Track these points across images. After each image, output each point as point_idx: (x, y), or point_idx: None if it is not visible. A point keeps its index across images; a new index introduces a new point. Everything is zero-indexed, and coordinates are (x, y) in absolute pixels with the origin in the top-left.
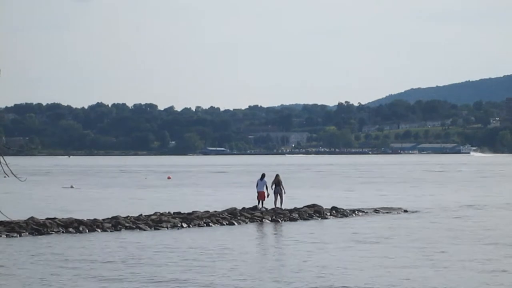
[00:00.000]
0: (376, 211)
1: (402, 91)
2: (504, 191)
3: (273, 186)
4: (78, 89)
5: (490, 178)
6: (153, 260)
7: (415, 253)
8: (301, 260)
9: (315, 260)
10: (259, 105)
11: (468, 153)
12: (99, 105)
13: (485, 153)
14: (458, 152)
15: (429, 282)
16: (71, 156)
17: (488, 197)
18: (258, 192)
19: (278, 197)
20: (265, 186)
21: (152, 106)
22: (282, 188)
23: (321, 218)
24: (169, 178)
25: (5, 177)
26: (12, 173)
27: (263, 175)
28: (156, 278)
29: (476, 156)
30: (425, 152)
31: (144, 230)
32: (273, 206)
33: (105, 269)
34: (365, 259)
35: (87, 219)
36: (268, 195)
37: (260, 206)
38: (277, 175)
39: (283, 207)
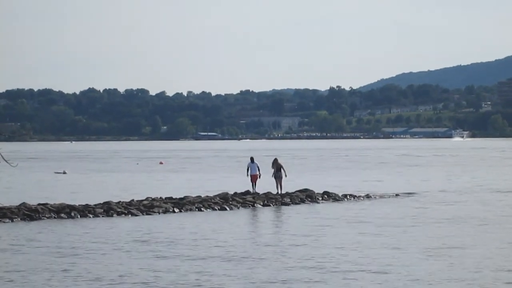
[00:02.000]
0: (368, 195)
1: (394, 75)
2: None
3: (274, 171)
4: (70, 74)
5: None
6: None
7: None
8: (292, 244)
9: (306, 244)
10: (250, 90)
11: (451, 137)
12: (91, 90)
13: (466, 138)
14: (450, 136)
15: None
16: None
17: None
18: (251, 176)
19: (278, 182)
20: (257, 168)
21: (143, 91)
22: (283, 172)
23: (313, 203)
24: (161, 163)
25: None
26: (3, 159)
27: (252, 159)
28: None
29: (456, 140)
30: (417, 136)
31: (136, 215)
32: (276, 191)
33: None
34: (362, 243)
35: (79, 205)
36: (260, 176)
37: (253, 189)
38: (276, 160)
39: (283, 191)
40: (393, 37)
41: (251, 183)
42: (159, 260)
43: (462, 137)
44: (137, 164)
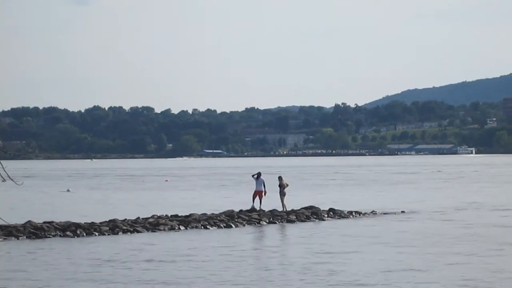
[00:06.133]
0: (374, 212)
1: (399, 92)
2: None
3: (281, 189)
4: (75, 92)
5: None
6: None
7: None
8: (299, 262)
9: (312, 262)
10: (255, 107)
11: (457, 153)
12: (96, 108)
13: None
14: (455, 152)
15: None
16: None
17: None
18: (255, 191)
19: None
20: (263, 184)
21: (148, 109)
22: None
23: (319, 220)
24: (166, 181)
25: (3, 181)
26: (9, 177)
27: (259, 174)
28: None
29: (467, 157)
30: (422, 153)
31: (141, 232)
32: (282, 209)
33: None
34: (368, 261)
35: (85, 223)
36: (265, 193)
37: (257, 205)
38: (280, 177)
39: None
40: (397, 54)
41: (252, 198)
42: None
43: (471, 153)
44: (143, 181)
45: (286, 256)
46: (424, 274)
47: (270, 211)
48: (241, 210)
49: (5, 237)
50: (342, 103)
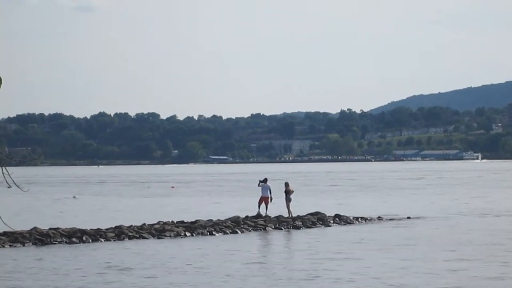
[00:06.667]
0: (380, 218)
1: (405, 98)
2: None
3: (286, 195)
4: (80, 99)
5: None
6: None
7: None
8: (305, 268)
9: (318, 268)
10: (261, 113)
11: (462, 159)
12: (102, 114)
13: (482, 160)
14: (461, 158)
15: None
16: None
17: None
18: (261, 197)
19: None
20: (269, 190)
21: (154, 115)
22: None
23: (325, 226)
24: (172, 187)
25: (8, 187)
26: (15, 183)
27: (265, 180)
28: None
29: (474, 162)
30: (428, 158)
31: (147, 239)
32: (288, 215)
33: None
34: (374, 267)
35: (90, 229)
36: (271, 199)
37: (263, 211)
38: (286, 183)
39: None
40: (403, 60)
41: (258, 204)
42: None
43: (477, 158)
44: (148, 187)
45: (292, 262)
46: (429, 280)
47: (276, 217)
48: (247, 216)
49: (11, 244)
50: (348, 109)
